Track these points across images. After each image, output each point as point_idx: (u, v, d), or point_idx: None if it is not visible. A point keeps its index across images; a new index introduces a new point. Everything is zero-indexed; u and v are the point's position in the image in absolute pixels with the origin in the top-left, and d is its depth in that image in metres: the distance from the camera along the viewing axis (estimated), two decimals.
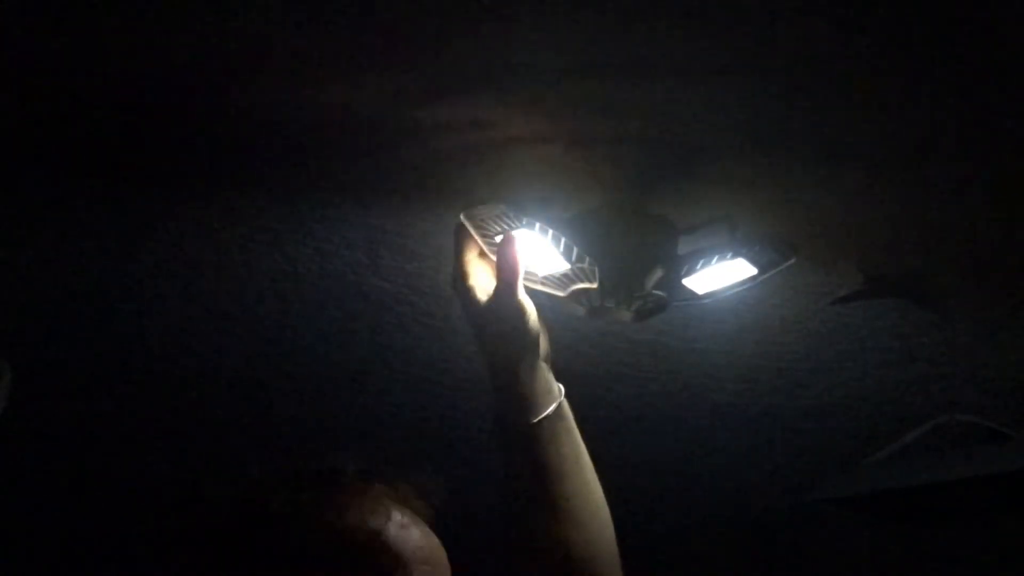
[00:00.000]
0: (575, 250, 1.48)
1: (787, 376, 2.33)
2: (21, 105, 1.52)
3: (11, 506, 3.13)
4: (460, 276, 1.29)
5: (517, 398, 1.22)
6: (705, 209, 1.68)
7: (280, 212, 1.80)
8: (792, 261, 1.66)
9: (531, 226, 1.42)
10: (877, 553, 3.30)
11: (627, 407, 2.50)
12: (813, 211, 1.74)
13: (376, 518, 0.97)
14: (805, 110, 1.48)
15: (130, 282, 2.03)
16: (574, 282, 1.53)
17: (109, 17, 1.33)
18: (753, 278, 1.65)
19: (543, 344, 1.29)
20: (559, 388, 1.25)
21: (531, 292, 1.40)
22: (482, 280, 1.30)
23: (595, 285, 1.52)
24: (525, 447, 1.21)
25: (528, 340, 1.24)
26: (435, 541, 1.00)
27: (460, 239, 1.32)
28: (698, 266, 1.62)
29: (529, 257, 1.40)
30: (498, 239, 1.37)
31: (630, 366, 2.31)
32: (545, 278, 1.51)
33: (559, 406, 1.24)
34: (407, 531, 0.97)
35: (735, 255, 1.62)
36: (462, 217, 1.35)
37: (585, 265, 1.51)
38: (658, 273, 1.60)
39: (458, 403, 2.50)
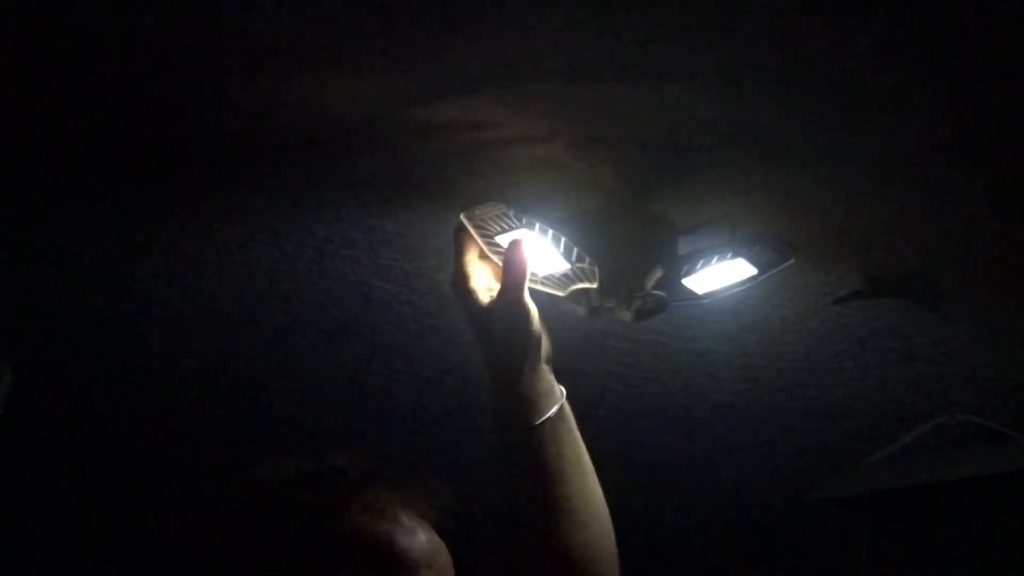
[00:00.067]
0: (575, 250, 1.48)
1: (787, 376, 2.33)
2: (21, 105, 1.52)
3: (11, 506, 3.13)
4: (462, 278, 1.28)
5: (519, 400, 1.21)
6: (705, 209, 1.68)
7: (280, 212, 1.81)
8: (792, 261, 1.66)
9: (531, 226, 1.42)
10: (877, 553, 3.30)
11: (627, 407, 2.50)
12: (813, 211, 1.74)
13: (384, 521, 0.97)
14: (805, 111, 1.48)
15: (130, 282, 2.03)
16: (574, 282, 1.53)
17: (109, 17, 1.33)
18: (753, 278, 1.65)
19: (545, 345, 1.29)
20: (561, 390, 1.25)
21: (531, 292, 1.40)
22: (484, 281, 1.30)
23: (595, 285, 1.52)
24: (527, 449, 1.20)
25: (531, 341, 1.24)
26: (439, 543, 1.00)
27: (460, 240, 1.32)
28: (698, 266, 1.62)
29: (529, 257, 1.40)
30: (498, 239, 1.37)
31: (630, 366, 2.31)
32: (545, 278, 1.51)
33: (561, 408, 1.24)
34: (413, 534, 0.97)
35: (735, 255, 1.62)
36: (462, 217, 1.35)
37: (585, 265, 1.51)
38: (658, 273, 1.60)
39: (458, 403, 2.50)
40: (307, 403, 2.54)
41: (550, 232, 1.45)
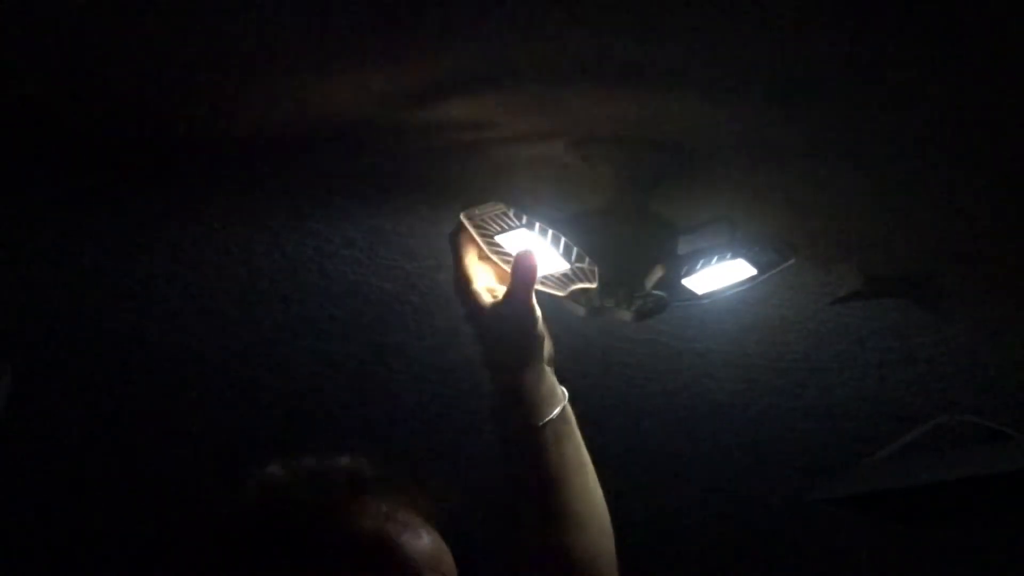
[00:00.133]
0: (575, 250, 1.48)
1: (787, 376, 2.33)
2: (21, 105, 1.52)
3: (11, 506, 3.13)
4: (464, 280, 1.28)
5: (522, 401, 1.21)
6: (705, 209, 1.68)
7: (280, 212, 1.81)
8: (792, 261, 1.65)
9: (531, 226, 1.42)
10: (877, 553, 3.30)
11: (627, 407, 2.50)
12: (813, 211, 1.74)
13: (390, 522, 0.97)
14: (806, 111, 1.48)
15: (130, 282, 2.03)
16: (574, 282, 1.53)
17: (109, 18, 1.33)
18: (753, 278, 1.65)
19: (547, 346, 1.29)
20: (563, 391, 1.25)
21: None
22: (486, 282, 1.29)
23: (595, 285, 1.52)
24: (529, 450, 1.20)
25: (535, 343, 1.24)
26: (442, 544, 1.00)
27: (458, 243, 1.31)
28: (698, 266, 1.61)
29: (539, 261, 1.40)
30: (498, 239, 1.36)
31: (630, 366, 2.31)
32: (545, 278, 1.51)
33: (563, 409, 1.24)
34: (418, 535, 0.98)
35: (735, 255, 1.62)
36: (462, 217, 1.35)
37: (585, 265, 1.51)
38: (658, 273, 1.60)
39: (459, 403, 2.50)
40: (307, 403, 2.54)
41: (550, 232, 1.45)
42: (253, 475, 1.02)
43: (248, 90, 1.47)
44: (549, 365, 1.28)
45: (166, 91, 1.48)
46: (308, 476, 1.01)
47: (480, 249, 1.33)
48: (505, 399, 1.23)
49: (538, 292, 1.45)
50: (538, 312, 1.26)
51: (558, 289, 1.53)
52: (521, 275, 1.24)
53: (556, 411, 1.23)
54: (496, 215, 1.37)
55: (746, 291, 1.69)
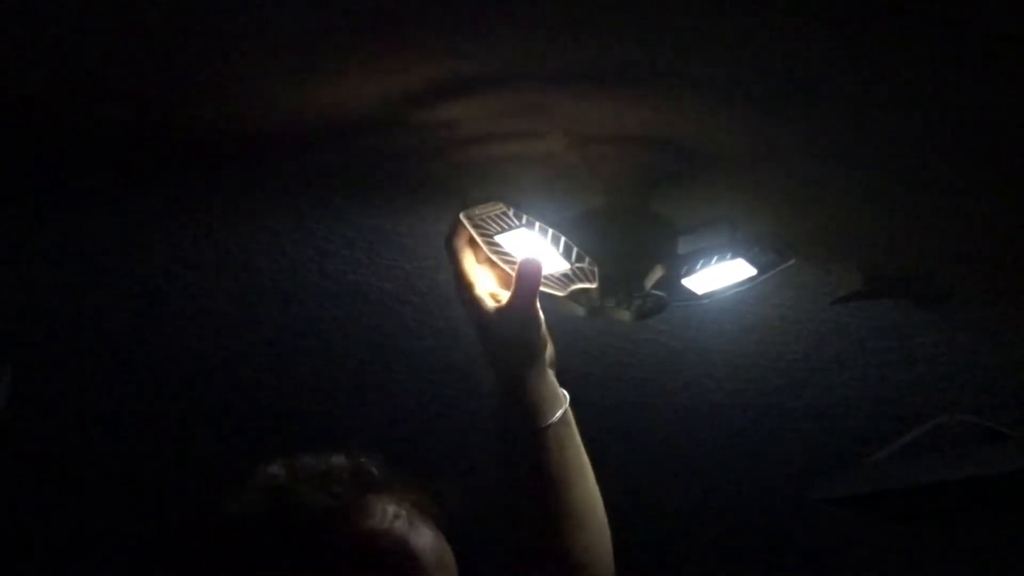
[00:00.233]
0: (575, 250, 1.48)
1: (787, 376, 2.33)
2: (22, 105, 1.52)
3: (11, 506, 3.13)
4: (465, 284, 1.28)
5: (525, 404, 1.21)
6: (705, 209, 1.68)
7: (280, 212, 1.81)
8: (792, 261, 1.66)
9: (531, 226, 1.42)
10: (877, 553, 3.30)
11: (627, 407, 2.50)
12: (813, 211, 1.74)
13: (399, 521, 0.98)
14: (806, 112, 1.48)
15: (130, 282, 2.03)
16: (574, 282, 1.53)
17: (110, 18, 1.33)
18: (753, 278, 1.65)
19: (549, 349, 1.29)
20: (564, 394, 1.26)
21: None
22: (487, 286, 1.29)
23: (595, 285, 1.52)
24: (531, 452, 1.21)
25: (538, 347, 1.24)
26: (446, 544, 1.00)
27: (456, 248, 1.31)
28: (698, 266, 1.62)
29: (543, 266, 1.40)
30: (498, 239, 1.36)
31: (630, 366, 2.31)
32: (545, 278, 1.51)
33: (564, 412, 1.24)
34: (425, 535, 0.98)
35: (735, 255, 1.62)
36: (462, 216, 1.35)
37: (585, 265, 1.51)
38: (658, 273, 1.60)
39: (459, 403, 2.50)
40: (307, 403, 2.54)
41: (550, 232, 1.45)
42: (255, 475, 1.02)
43: (248, 90, 1.47)
44: (551, 367, 1.28)
45: (166, 91, 1.48)
46: (312, 475, 1.01)
47: (479, 251, 1.33)
48: (508, 402, 1.23)
49: (539, 292, 1.45)
50: (541, 317, 1.26)
51: (558, 289, 1.53)
52: (526, 282, 1.24)
53: (558, 414, 1.23)
54: (496, 215, 1.37)
55: (746, 291, 1.70)
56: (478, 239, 1.34)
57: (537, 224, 1.43)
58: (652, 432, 2.65)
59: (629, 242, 1.58)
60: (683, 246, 1.65)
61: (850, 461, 2.55)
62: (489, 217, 1.36)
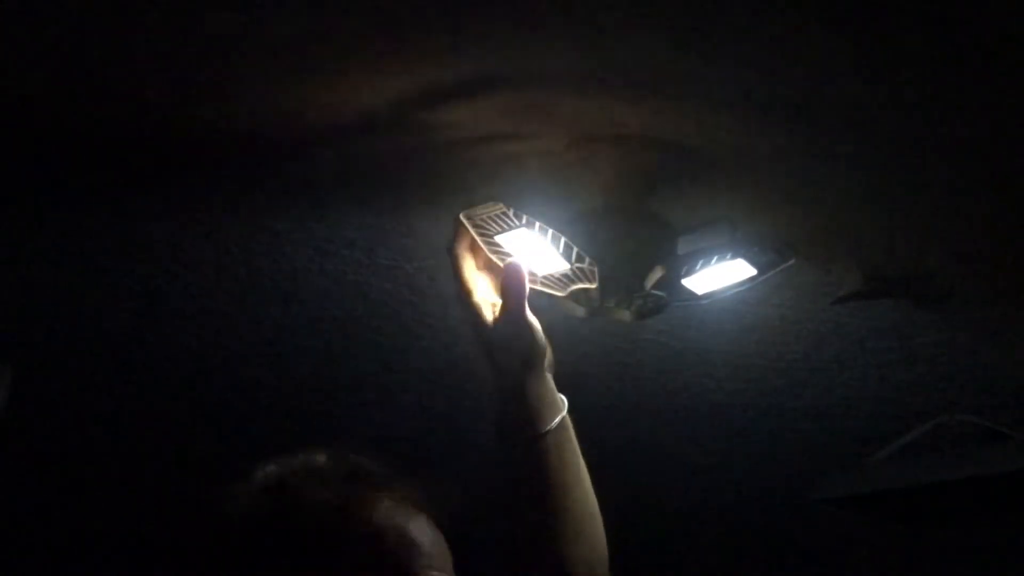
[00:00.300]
0: (575, 250, 1.48)
1: (787, 376, 2.33)
2: (22, 105, 1.52)
3: (11, 506, 3.13)
4: (464, 292, 1.28)
5: (525, 410, 1.22)
6: (705, 209, 1.68)
7: (280, 212, 1.81)
8: (792, 261, 1.66)
9: (531, 226, 1.42)
10: (877, 553, 3.30)
11: (627, 407, 2.50)
12: (813, 211, 1.74)
13: (401, 517, 0.98)
14: (806, 112, 1.48)
15: (130, 282, 2.03)
16: (574, 282, 1.53)
17: (110, 18, 1.33)
18: (753, 278, 1.65)
19: (547, 354, 1.29)
20: (562, 400, 1.26)
21: (531, 293, 1.40)
22: (486, 294, 1.30)
23: (595, 285, 1.52)
24: (530, 458, 1.21)
25: (536, 354, 1.25)
26: (443, 539, 1.01)
27: (457, 254, 1.31)
28: (698, 266, 1.62)
29: (529, 257, 1.40)
30: (498, 239, 1.36)
31: (630, 366, 2.31)
32: (545, 278, 1.51)
33: (563, 418, 1.24)
34: (424, 529, 0.99)
35: (735, 255, 1.62)
36: (461, 217, 1.35)
37: (585, 265, 1.51)
38: (658, 273, 1.60)
39: (459, 403, 2.50)
40: (307, 403, 2.54)
41: (550, 232, 1.45)
42: (254, 474, 1.03)
43: (248, 90, 1.47)
44: (549, 372, 1.28)
45: (166, 91, 1.48)
46: (309, 473, 1.01)
47: (479, 259, 1.33)
48: (506, 407, 1.24)
49: (538, 292, 1.45)
50: (536, 325, 1.26)
51: (558, 289, 1.53)
52: (511, 299, 1.25)
53: (556, 420, 1.23)
54: (496, 215, 1.37)
55: (746, 291, 1.70)
56: (478, 240, 1.34)
57: (537, 224, 1.43)
58: (652, 432, 2.65)
59: (629, 242, 1.58)
60: (683, 246, 1.65)
61: (850, 461, 2.55)
62: (489, 217, 1.36)
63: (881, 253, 1.86)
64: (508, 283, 1.25)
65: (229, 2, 1.30)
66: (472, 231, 1.34)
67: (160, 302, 2.10)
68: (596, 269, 1.50)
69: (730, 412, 2.52)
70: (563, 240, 1.46)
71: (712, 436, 2.67)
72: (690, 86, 1.43)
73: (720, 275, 1.64)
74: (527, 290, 1.25)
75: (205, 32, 1.35)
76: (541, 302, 1.36)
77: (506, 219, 1.38)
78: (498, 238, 1.37)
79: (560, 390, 1.26)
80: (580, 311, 1.57)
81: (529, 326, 1.25)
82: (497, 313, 1.26)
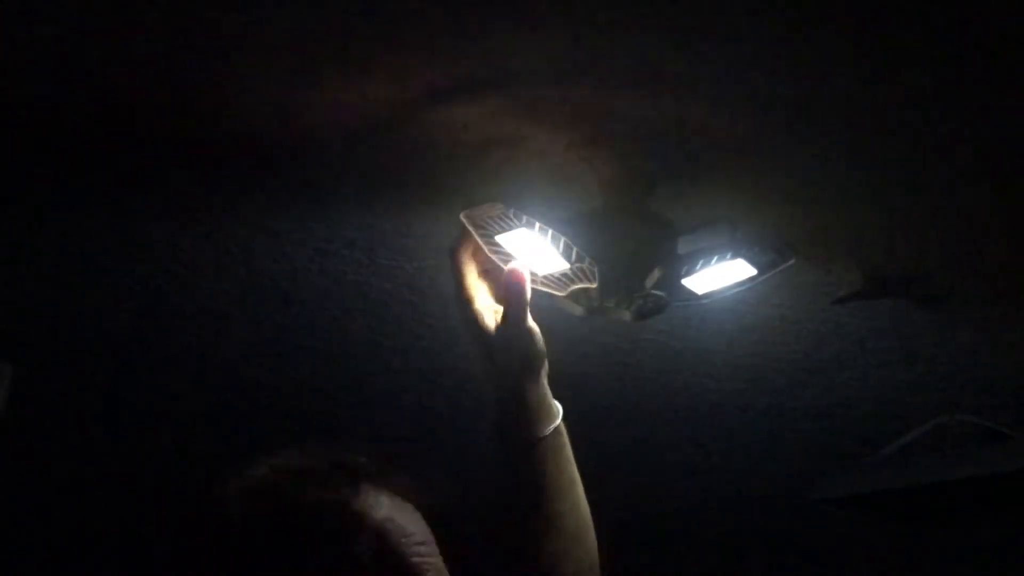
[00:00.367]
0: (575, 250, 1.48)
1: (787, 376, 2.33)
2: (22, 105, 1.52)
3: (11, 506, 3.13)
4: (465, 299, 1.29)
5: (522, 416, 1.23)
6: (705, 209, 1.68)
7: (280, 212, 1.81)
8: (792, 261, 1.65)
9: (531, 226, 1.42)
10: (877, 553, 3.30)
11: (627, 407, 2.50)
12: (812, 211, 1.74)
13: (399, 514, 0.99)
14: (806, 112, 1.48)
15: (130, 282, 2.03)
16: (574, 282, 1.53)
17: (110, 18, 1.33)
18: (753, 278, 1.65)
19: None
20: (558, 407, 1.28)
21: (531, 293, 1.40)
22: (487, 301, 1.30)
23: (595, 285, 1.52)
24: (526, 463, 1.22)
25: (535, 361, 1.26)
26: (433, 537, 1.02)
27: (459, 260, 1.31)
28: (698, 266, 1.61)
29: (529, 257, 1.40)
30: (498, 239, 1.36)
31: (630, 366, 2.31)
32: (545, 278, 1.51)
33: (558, 425, 1.25)
34: (422, 528, 1.00)
35: (735, 255, 1.62)
36: (462, 217, 1.35)
37: (585, 265, 1.51)
38: (658, 273, 1.60)
39: (458, 402, 2.50)
40: (307, 403, 2.54)
41: (550, 232, 1.45)
42: (252, 474, 1.03)
43: (248, 90, 1.47)
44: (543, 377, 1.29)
45: (166, 91, 1.48)
46: (306, 471, 1.02)
47: (480, 264, 1.33)
48: (506, 413, 1.24)
49: (538, 292, 1.45)
50: (536, 329, 1.27)
51: (558, 289, 1.53)
52: (513, 307, 1.25)
53: (552, 427, 1.24)
54: (496, 215, 1.37)
55: (746, 291, 1.69)
56: (479, 239, 1.34)
57: (537, 224, 1.43)
58: (652, 432, 2.65)
59: (629, 242, 1.58)
60: (683, 246, 1.65)
61: (850, 461, 2.55)
62: (489, 217, 1.37)
63: (881, 253, 1.86)
64: (510, 289, 1.25)
65: (229, 2, 1.30)
66: (472, 231, 1.34)
67: (160, 302, 2.10)
68: (596, 269, 1.50)
69: (730, 412, 2.52)
70: (563, 240, 1.46)
71: (712, 436, 2.67)
72: (690, 86, 1.43)
73: (720, 275, 1.64)
74: (529, 296, 1.26)
75: (205, 32, 1.35)
76: (541, 302, 1.37)
77: (506, 219, 1.38)
78: (498, 238, 1.37)
79: (560, 390, 1.27)
80: (580, 311, 1.57)
81: (530, 331, 1.26)
82: (498, 318, 1.26)
